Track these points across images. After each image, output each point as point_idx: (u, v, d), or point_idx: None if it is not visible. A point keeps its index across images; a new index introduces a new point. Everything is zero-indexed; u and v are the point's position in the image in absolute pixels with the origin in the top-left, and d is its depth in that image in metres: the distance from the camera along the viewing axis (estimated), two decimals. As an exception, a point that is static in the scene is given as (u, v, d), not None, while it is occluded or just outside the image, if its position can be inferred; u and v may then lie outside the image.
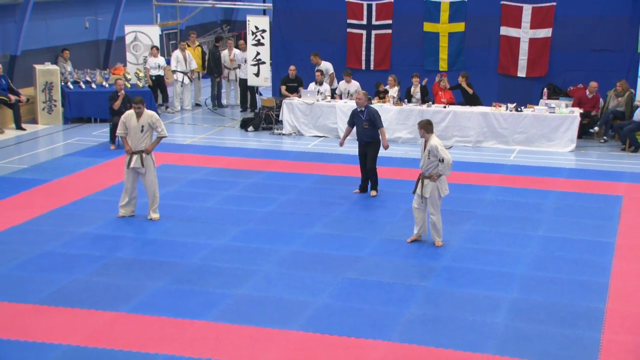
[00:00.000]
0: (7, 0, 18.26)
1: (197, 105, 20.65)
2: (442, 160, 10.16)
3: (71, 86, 18.28)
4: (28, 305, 8.50)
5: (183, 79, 19.68)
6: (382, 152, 15.52)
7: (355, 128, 12.78)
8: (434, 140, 10.27)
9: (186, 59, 19.68)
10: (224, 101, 20.70)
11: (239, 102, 20.29)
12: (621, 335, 8.04)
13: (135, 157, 11.12)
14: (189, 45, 20.26)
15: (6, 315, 8.26)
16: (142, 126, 11.07)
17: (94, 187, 12.99)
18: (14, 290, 8.87)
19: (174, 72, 19.64)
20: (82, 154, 15.33)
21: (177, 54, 19.71)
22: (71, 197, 12.38)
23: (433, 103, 16.74)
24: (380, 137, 12.61)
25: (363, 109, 12.54)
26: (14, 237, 10.62)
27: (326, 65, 18.22)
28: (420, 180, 10.39)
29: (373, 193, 12.73)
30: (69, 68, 19.31)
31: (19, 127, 17.30)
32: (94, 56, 21.96)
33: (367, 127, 12.50)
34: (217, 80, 20.19)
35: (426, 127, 10.33)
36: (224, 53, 20.18)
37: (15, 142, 16.39)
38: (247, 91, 19.83)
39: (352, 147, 13.76)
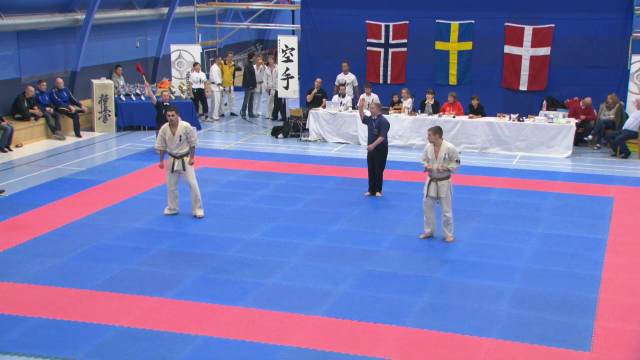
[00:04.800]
0: (69, 24, 18.45)
1: (233, 114, 20.70)
2: (458, 161, 10.13)
3: (123, 98, 18.43)
4: (85, 291, 8.58)
5: (222, 91, 19.83)
6: (398, 157, 15.51)
7: (367, 134, 12.75)
8: (449, 144, 10.24)
9: (223, 73, 19.78)
10: (257, 111, 20.71)
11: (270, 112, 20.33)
12: (612, 322, 7.95)
13: (176, 161, 11.21)
14: (225, 63, 20.32)
15: (67, 300, 8.34)
16: (180, 136, 11.14)
17: (142, 187, 13.08)
18: (73, 278, 8.96)
19: (212, 83, 19.69)
20: (133, 158, 15.43)
21: (216, 68, 19.77)
22: (123, 196, 12.47)
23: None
24: (380, 142, 12.41)
25: (376, 117, 12.52)
26: (73, 230, 10.72)
27: (352, 77, 18.27)
28: (434, 183, 10.30)
29: (379, 194, 12.69)
30: (122, 82, 19.47)
31: (78, 134, 17.48)
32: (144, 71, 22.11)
33: (376, 133, 12.46)
34: (250, 91, 20.23)
35: (439, 132, 10.26)
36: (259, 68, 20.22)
37: (74, 147, 16.55)
38: (276, 102, 19.87)
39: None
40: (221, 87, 19.92)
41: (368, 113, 12.70)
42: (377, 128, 12.44)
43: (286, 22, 27.08)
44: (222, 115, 20.42)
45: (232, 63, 20.70)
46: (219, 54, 23.94)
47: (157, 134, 15.74)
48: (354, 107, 17.53)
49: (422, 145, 16.49)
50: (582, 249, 10.22)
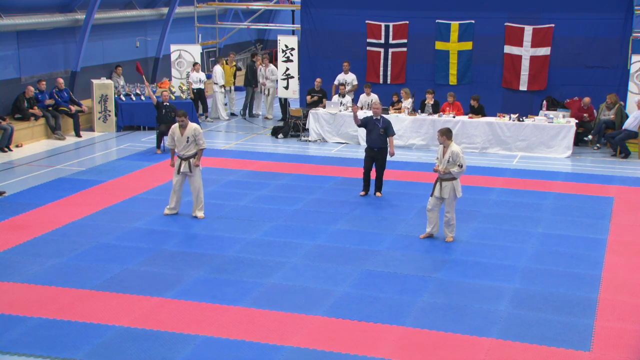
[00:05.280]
0: (69, 24, 18.44)
1: (233, 114, 20.70)
2: (460, 166, 10.09)
3: (123, 98, 18.43)
4: (85, 291, 8.58)
5: (224, 92, 19.85)
6: (398, 157, 15.52)
7: (368, 134, 12.56)
8: (456, 147, 10.17)
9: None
10: (258, 111, 20.71)
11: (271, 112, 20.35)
12: (612, 322, 7.95)
13: (184, 163, 11.22)
14: (226, 63, 20.31)
15: (67, 300, 8.34)
16: (187, 138, 11.15)
17: (142, 187, 13.08)
18: (73, 278, 8.96)
19: (215, 84, 19.68)
20: (133, 158, 15.44)
21: (219, 69, 19.76)
22: (123, 196, 12.47)
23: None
24: (388, 144, 12.51)
25: (379, 117, 12.49)
26: (73, 230, 10.72)
27: (352, 76, 18.30)
28: (439, 183, 10.30)
29: (379, 194, 12.66)
30: (122, 82, 19.47)
31: (78, 134, 17.48)
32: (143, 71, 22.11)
33: (382, 133, 12.42)
34: (252, 90, 20.20)
35: (447, 134, 10.20)
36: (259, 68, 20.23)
37: (74, 147, 16.55)
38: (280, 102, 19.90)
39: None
40: (224, 88, 19.91)
41: (361, 115, 12.62)
42: (384, 128, 12.37)
43: (286, 22, 27.08)
44: (234, 115, 20.44)
45: (234, 64, 20.71)
46: (220, 54, 23.92)
47: (157, 134, 15.89)
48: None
49: (422, 145, 16.54)
50: (582, 249, 10.23)
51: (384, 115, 12.94)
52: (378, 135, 12.41)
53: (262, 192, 12.88)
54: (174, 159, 11.37)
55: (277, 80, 19.64)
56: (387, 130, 12.40)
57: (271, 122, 19.61)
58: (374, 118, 12.49)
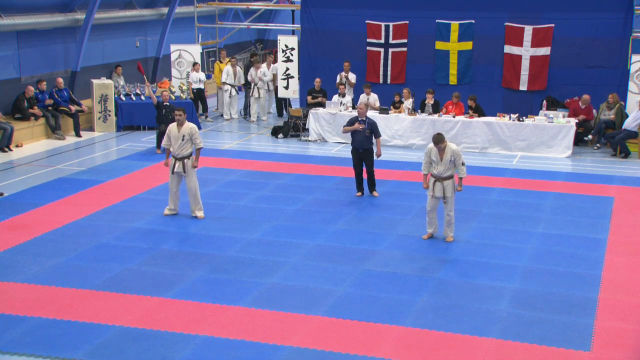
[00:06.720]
0: (69, 24, 18.45)
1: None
2: (463, 164, 10.12)
3: (123, 98, 18.43)
4: (85, 291, 8.58)
5: (230, 91, 19.73)
6: (398, 157, 15.52)
7: (353, 136, 12.44)
8: (454, 146, 10.22)
9: (236, 73, 19.71)
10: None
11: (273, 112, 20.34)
12: (612, 322, 7.95)
13: (178, 163, 11.22)
14: (220, 61, 20.25)
15: (66, 300, 8.34)
16: (183, 136, 11.15)
17: (142, 187, 13.08)
18: (73, 278, 8.96)
19: (224, 84, 19.62)
20: (133, 157, 15.43)
21: (228, 68, 19.72)
22: (123, 196, 12.47)
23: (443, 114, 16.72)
24: (375, 145, 12.48)
25: (364, 118, 12.46)
26: (73, 230, 10.72)
27: (352, 76, 18.33)
28: (440, 183, 10.29)
29: (376, 194, 12.64)
30: (122, 82, 19.47)
31: (78, 134, 17.48)
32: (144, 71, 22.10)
33: (368, 134, 12.38)
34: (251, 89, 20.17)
35: (442, 138, 10.19)
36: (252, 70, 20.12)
37: (74, 147, 16.55)
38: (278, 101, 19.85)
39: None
40: (235, 89, 19.82)
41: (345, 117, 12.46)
42: (369, 130, 12.38)
43: (286, 22, 27.07)
44: (222, 115, 20.39)
45: (227, 60, 20.67)
46: (227, 55, 23.89)
47: (157, 134, 15.88)
48: (353, 107, 17.53)
49: (422, 145, 16.50)
50: (582, 248, 10.23)
51: (369, 116, 12.88)
52: (364, 136, 12.37)
53: (262, 192, 12.88)
54: (168, 159, 11.35)
55: (268, 83, 19.54)
56: (373, 131, 12.41)
57: (266, 123, 19.51)
58: (359, 119, 12.44)
